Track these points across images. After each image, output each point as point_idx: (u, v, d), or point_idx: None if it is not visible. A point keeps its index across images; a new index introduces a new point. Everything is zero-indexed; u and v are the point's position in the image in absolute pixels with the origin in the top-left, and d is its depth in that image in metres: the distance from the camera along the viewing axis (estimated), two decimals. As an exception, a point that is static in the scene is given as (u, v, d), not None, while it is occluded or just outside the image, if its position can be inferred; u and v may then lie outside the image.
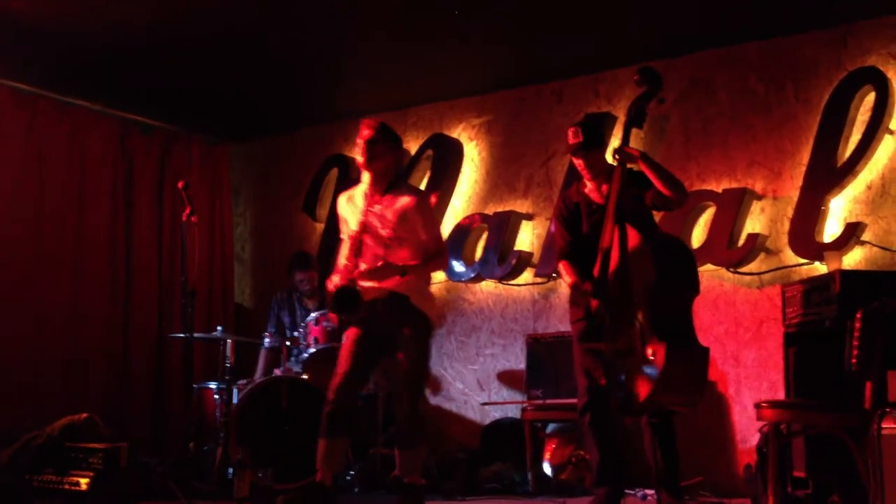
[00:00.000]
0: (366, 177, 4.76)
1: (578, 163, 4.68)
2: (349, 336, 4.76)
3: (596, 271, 4.38)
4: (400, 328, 4.71)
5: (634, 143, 4.79)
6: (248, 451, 5.48)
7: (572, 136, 4.63)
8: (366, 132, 4.72)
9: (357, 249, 4.66)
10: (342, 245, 4.84)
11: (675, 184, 4.48)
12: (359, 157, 4.74)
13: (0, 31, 5.82)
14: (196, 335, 5.98)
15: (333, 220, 7.34)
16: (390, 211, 4.71)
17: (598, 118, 6.37)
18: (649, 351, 4.09)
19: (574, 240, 4.74)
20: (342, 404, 4.65)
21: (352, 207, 4.82)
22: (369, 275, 4.64)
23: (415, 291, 4.74)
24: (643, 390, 4.15)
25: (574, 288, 4.61)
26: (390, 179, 4.80)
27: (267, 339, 6.48)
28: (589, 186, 4.72)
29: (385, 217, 4.71)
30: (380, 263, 4.66)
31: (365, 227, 4.71)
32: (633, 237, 4.27)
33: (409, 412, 4.71)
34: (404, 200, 4.71)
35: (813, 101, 5.75)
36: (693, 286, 4.36)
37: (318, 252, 7.32)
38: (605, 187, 4.60)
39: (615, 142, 5.83)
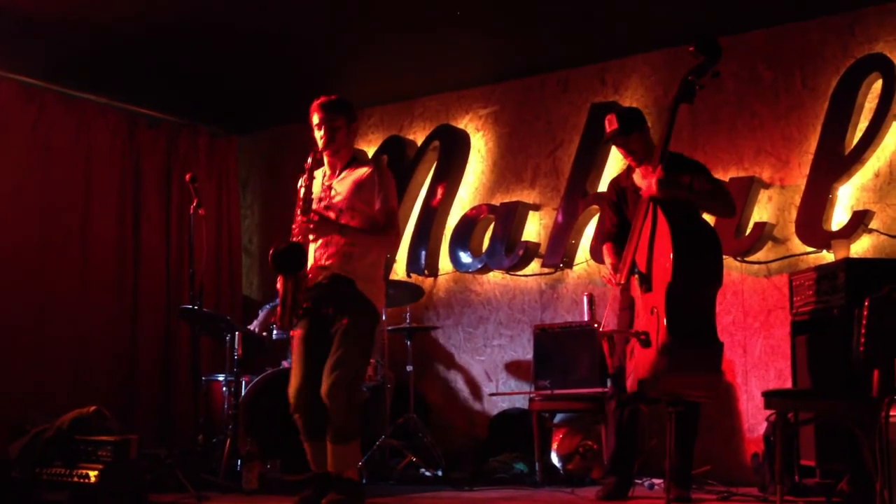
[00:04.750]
0: (326, 158, 4.70)
1: (620, 150, 4.65)
2: (294, 339, 4.63)
3: (629, 254, 4.37)
4: (341, 313, 4.51)
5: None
6: (257, 443, 5.49)
7: (608, 125, 4.60)
8: (320, 115, 4.61)
9: (306, 209, 4.52)
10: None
11: (720, 206, 4.49)
12: (318, 141, 4.62)
13: (6, 25, 5.83)
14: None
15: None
16: (347, 182, 4.65)
17: (605, 107, 6.37)
18: (660, 341, 4.09)
19: (621, 223, 4.73)
20: (304, 409, 4.51)
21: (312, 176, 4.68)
22: (308, 231, 4.47)
23: (361, 277, 4.56)
24: (656, 379, 4.15)
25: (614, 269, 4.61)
26: (350, 155, 4.75)
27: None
28: (638, 172, 4.68)
29: (341, 189, 4.64)
30: (316, 219, 4.46)
31: (321, 201, 4.64)
32: (662, 223, 4.24)
33: (333, 401, 4.39)
34: (362, 171, 4.65)
35: (820, 89, 5.73)
36: (714, 279, 4.33)
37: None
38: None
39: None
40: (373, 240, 4.59)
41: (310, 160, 4.62)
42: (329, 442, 4.45)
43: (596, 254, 6.17)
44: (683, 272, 4.12)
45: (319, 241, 4.63)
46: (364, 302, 4.55)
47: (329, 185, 4.70)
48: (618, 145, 4.65)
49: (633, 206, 4.63)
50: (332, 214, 4.60)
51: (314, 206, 4.60)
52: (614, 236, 4.77)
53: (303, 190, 4.56)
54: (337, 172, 4.71)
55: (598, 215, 6.24)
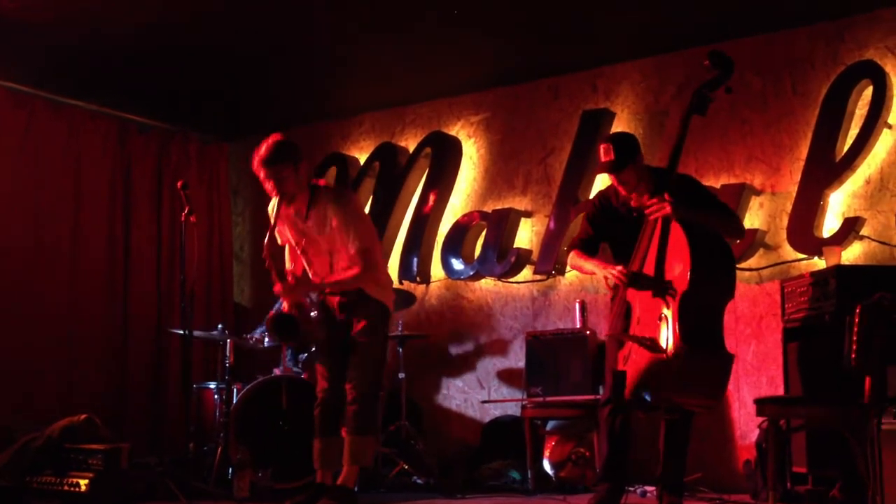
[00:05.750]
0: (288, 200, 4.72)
1: (612, 179, 4.60)
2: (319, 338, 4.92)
3: (635, 263, 4.34)
4: (355, 317, 4.77)
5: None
6: (248, 451, 5.47)
7: (603, 155, 4.51)
8: (264, 172, 4.60)
9: (295, 260, 4.85)
10: (286, 251, 4.98)
11: (727, 227, 4.44)
12: (272, 192, 4.64)
13: (-4, 32, 5.83)
14: (195, 333, 5.98)
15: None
16: (319, 224, 4.73)
17: (597, 115, 6.38)
18: (671, 349, 4.06)
19: (597, 237, 4.68)
20: (326, 405, 4.76)
21: (284, 216, 4.78)
22: (287, 291, 4.68)
23: (370, 282, 4.76)
24: (659, 387, 4.12)
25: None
26: (309, 194, 4.74)
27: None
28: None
29: (317, 232, 4.75)
30: (299, 276, 4.78)
31: (306, 241, 4.79)
32: (676, 230, 4.19)
33: (355, 393, 4.67)
34: (327, 215, 4.70)
35: (811, 96, 5.74)
36: (728, 291, 4.28)
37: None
38: (645, 197, 4.44)
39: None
40: (351, 283, 4.73)
41: (268, 237, 4.65)
42: (347, 433, 4.66)
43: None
44: (700, 281, 4.06)
45: (316, 272, 4.84)
46: (376, 304, 4.78)
47: (302, 228, 4.79)
48: (610, 175, 4.59)
49: (623, 224, 4.58)
50: (324, 258, 4.80)
51: (296, 242, 4.83)
52: (584, 245, 4.69)
53: (272, 260, 4.66)
54: (304, 214, 4.75)
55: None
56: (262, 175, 4.63)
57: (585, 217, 4.76)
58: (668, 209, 4.21)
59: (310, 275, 4.83)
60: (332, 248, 4.75)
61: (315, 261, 4.82)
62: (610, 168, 4.50)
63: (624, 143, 4.58)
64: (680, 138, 4.40)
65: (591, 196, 6.04)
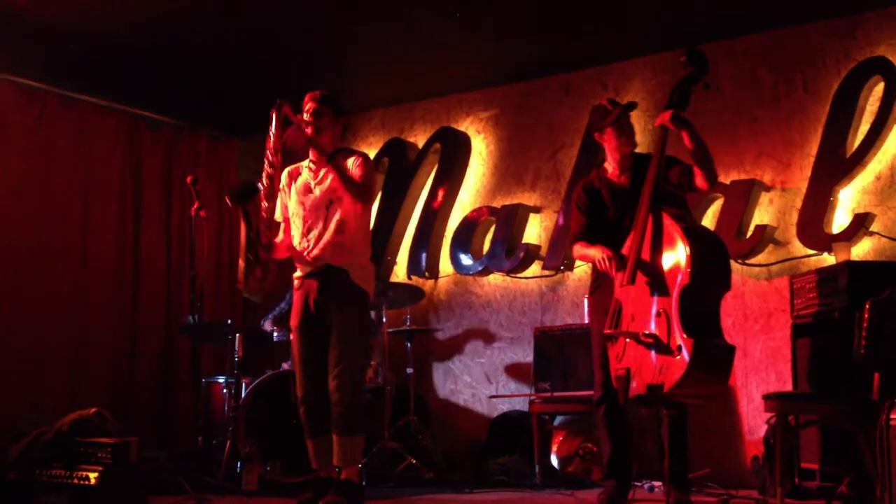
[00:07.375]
0: (311, 151, 4.76)
1: (617, 131, 4.61)
2: (293, 334, 4.75)
3: (630, 258, 4.33)
4: (337, 304, 4.61)
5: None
6: (257, 445, 5.49)
7: (610, 104, 4.60)
8: (311, 105, 4.72)
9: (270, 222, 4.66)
10: (280, 229, 4.85)
11: (711, 164, 4.44)
12: (307, 130, 4.67)
13: (7, 27, 5.84)
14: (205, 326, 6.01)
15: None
16: (333, 172, 4.67)
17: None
18: (675, 344, 4.05)
19: (591, 224, 4.68)
20: (310, 403, 4.64)
21: (295, 184, 4.80)
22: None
23: (354, 265, 4.66)
24: (663, 382, 4.10)
25: (600, 262, 4.48)
26: (333, 150, 4.74)
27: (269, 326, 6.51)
28: (610, 171, 4.65)
29: (327, 179, 4.69)
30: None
31: (308, 199, 4.74)
32: (669, 226, 4.19)
33: (340, 393, 4.51)
34: (348, 159, 4.70)
35: (821, 92, 5.72)
36: (725, 283, 4.27)
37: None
38: (627, 173, 4.55)
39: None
40: (350, 187, 4.62)
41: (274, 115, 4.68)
42: (335, 434, 4.54)
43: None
44: (700, 275, 4.06)
45: (308, 233, 4.70)
46: (358, 292, 4.65)
47: (308, 184, 4.75)
48: (622, 122, 4.62)
49: (614, 205, 4.59)
50: (321, 221, 4.69)
51: (300, 197, 4.75)
52: (584, 236, 4.69)
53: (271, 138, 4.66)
54: (324, 163, 4.71)
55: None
56: (308, 107, 4.74)
57: (577, 208, 4.74)
58: (666, 118, 4.32)
59: (303, 242, 4.73)
60: (333, 197, 4.66)
61: (312, 223, 4.73)
62: (627, 109, 4.59)
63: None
64: (662, 138, 4.41)
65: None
